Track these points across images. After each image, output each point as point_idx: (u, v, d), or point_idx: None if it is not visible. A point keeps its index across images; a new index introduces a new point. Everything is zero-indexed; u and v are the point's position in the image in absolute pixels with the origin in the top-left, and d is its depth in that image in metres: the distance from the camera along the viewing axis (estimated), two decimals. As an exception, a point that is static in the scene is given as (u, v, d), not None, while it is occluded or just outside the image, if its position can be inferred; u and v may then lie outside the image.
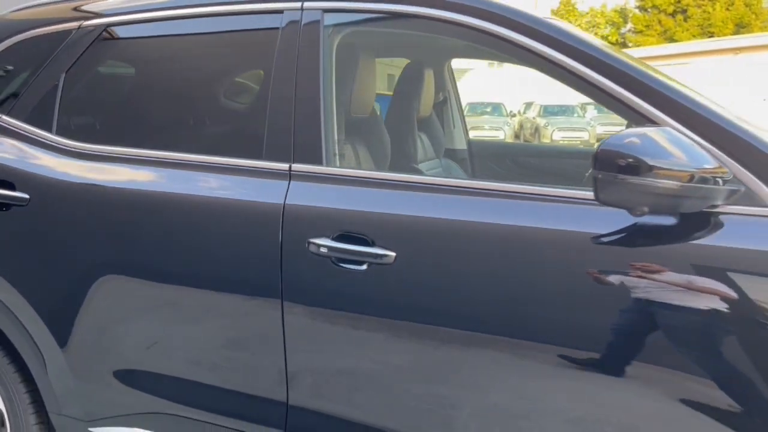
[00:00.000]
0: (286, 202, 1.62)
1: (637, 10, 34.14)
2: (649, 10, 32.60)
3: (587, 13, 38.90)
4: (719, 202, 1.32)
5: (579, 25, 32.31)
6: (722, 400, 1.31)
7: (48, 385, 1.92)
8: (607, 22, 37.85)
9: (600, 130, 16.75)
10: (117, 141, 1.91)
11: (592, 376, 1.41)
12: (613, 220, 1.38)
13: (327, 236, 1.56)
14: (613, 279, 1.37)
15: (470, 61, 32.97)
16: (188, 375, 1.79)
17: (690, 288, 1.33)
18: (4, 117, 2.00)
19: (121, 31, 2.00)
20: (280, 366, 1.65)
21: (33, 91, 2.00)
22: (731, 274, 1.31)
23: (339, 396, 1.65)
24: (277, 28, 1.75)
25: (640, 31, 32.93)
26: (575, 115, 19.55)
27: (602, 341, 1.40)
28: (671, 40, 29.29)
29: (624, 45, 32.38)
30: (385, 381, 1.60)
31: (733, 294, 1.30)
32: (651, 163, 1.26)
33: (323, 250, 1.56)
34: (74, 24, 2.01)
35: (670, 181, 1.26)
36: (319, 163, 1.66)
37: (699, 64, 18.45)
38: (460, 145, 3.04)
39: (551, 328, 1.42)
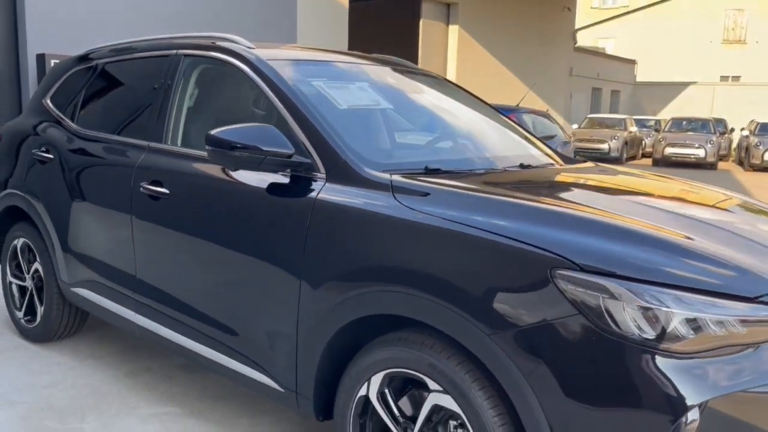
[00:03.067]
0: (138, 165, 2.91)
1: None
2: None
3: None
4: (297, 168, 2.28)
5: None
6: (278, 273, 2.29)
7: (57, 261, 3.43)
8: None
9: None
10: (97, 128, 3.37)
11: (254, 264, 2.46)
12: (263, 180, 2.39)
13: (145, 181, 2.82)
14: (266, 217, 2.38)
15: (701, 75, 30.95)
16: (106, 260, 3.16)
17: (274, 208, 2.34)
18: (50, 105, 3.60)
19: (108, 66, 3.48)
20: (131, 255, 2.94)
21: (72, 100, 3.56)
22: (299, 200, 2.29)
23: (157, 272, 2.88)
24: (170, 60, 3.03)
25: None
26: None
27: (260, 249, 2.42)
28: None
29: None
30: (175, 267, 2.80)
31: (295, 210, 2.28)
32: (245, 143, 2.29)
33: (142, 189, 2.82)
34: (93, 62, 3.54)
35: (254, 154, 2.27)
36: (164, 142, 2.91)
37: None
38: None
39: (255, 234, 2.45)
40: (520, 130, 3.40)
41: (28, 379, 3.27)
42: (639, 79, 32.15)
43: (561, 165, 2.98)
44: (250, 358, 2.46)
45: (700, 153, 19.25)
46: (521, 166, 2.72)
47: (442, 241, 1.92)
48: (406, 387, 2.05)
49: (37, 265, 3.64)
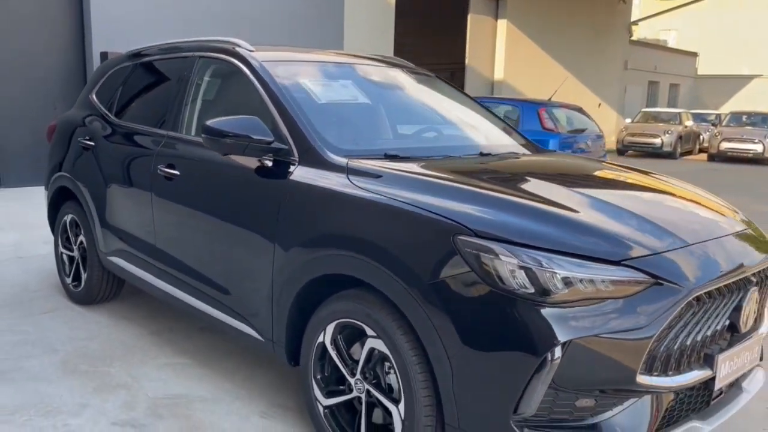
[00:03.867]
0: (158, 151, 3.42)
1: None
2: None
3: None
4: (278, 154, 2.73)
5: None
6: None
7: (96, 234, 4.01)
8: None
9: None
10: (129, 120, 3.91)
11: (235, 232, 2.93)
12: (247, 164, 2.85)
13: (162, 164, 3.32)
14: (255, 194, 2.85)
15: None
16: (133, 232, 3.70)
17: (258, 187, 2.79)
18: (94, 99, 4.17)
19: (140, 66, 4.02)
20: (152, 228, 3.46)
21: (111, 95, 4.13)
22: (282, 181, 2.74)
23: (170, 241, 3.39)
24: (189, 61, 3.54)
25: None
26: None
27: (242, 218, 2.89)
28: None
29: None
30: (183, 236, 3.30)
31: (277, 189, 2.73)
32: (233, 132, 2.74)
33: (160, 171, 3.33)
34: (130, 62, 4.09)
35: (240, 141, 2.73)
36: (179, 131, 3.41)
37: None
38: None
39: (243, 208, 2.93)
40: (500, 122, 3.74)
41: (70, 333, 3.85)
42: (701, 72, 31.27)
43: (522, 154, 3.32)
44: (238, 313, 2.93)
45: (758, 148, 18.74)
46: (480, 154, 3.09)
47: (377, 213, 2.33)
48: (354, 336, 2.47)
49: (81, 238, 4.22)
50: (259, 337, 2.83)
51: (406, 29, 20.54)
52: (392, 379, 2.32)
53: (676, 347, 2.08)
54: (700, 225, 2.42)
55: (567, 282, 1.97)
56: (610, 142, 22.03)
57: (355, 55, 3.69)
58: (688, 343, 2.11)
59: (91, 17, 9.46)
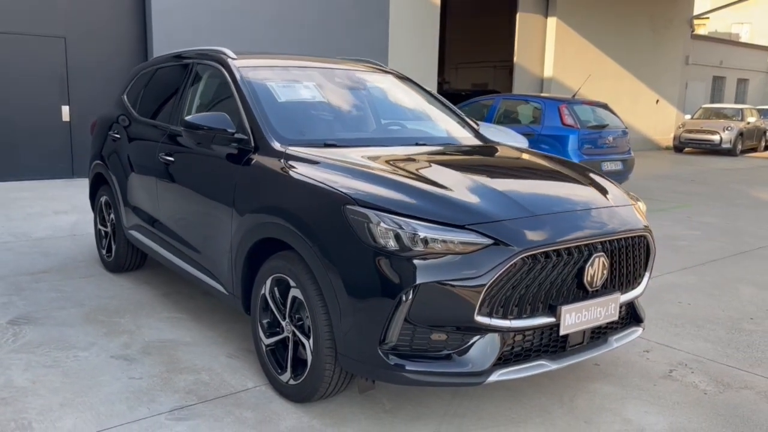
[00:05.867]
0: (161, 141, 4.15)
1: None
2: None
3: None
4: (240, 143, 3.39)
5: None
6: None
7: (121, 212, 4.80)
8: None
9: None
10: (146, 116, 4.67)
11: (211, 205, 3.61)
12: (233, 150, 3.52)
13: (163, 153, 4.05)
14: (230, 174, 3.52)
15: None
16: (145, 209, 4.45)
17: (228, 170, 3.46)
18: (125, 99, 4.97)
19: (157, 71, 4.77)
20: (157, 205, 4.20)
21: (136, 95, 4.92)
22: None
23: (167, 215, 4.11)
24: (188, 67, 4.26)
25: None
26: None
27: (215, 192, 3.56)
28: None
29: None
30: (175, 209, 4.01)
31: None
32: (204, 125, 3.41)
33: (161, 158, 4.05)
34: (151, 67, 4.87)
35: (209, 132, 3.40)
36: (177, 125, 4.12)
37: None
38: None
39: (213, 186, 3.62)
40: (455, 117, 4.27)
41: (98, 293, 4.65)
42: (775, 66, 30.03)
43: (458, 145, 3.85)
44: (209, 270, 3.61)
45: (824, 145, 18.08)
46: (416, 144, 3.65)
47: (296, 189, 2.95)
48: (284, 288, 3.08)
49: (112, 216, 5.03)
50: (224, 291, 3.50)
51: (454, 27, 20.99)
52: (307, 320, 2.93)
53: (516, 295, 2.58)
54: (557, 201, 2.91)
55: (423, 241, 2.51)
56: (667, 139, 21.70)
57: (327, 60, 4.31)
58: (529, 293, 2.61)
59: (152, 28, 10.50)
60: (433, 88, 14.12)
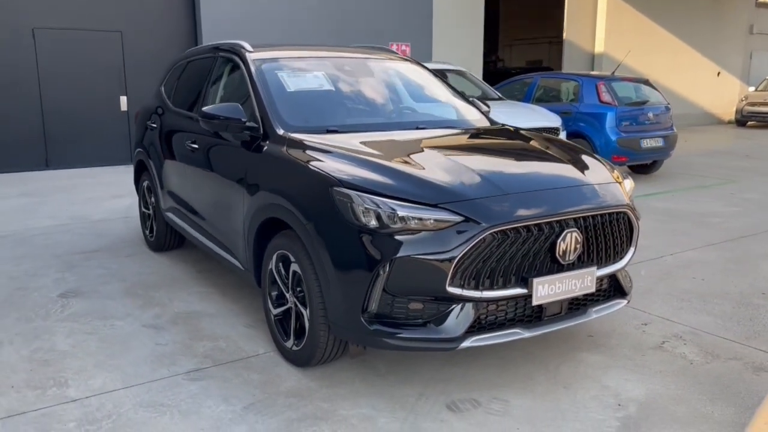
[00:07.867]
0: (189, 129, 4.51)
1: None
2: None
3: None
4: (251, 131, 3.70)
5: None
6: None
7: (159, 196, 5.22)
8: None
9: None
10: (178, 106, 5.04)
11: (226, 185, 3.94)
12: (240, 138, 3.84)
13: (189, 140, 4.40)
14: (241, 160, 3.84)
15: None
16: (177, 193, 4.83)
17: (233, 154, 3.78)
18: (162, 90, 5.37)
19: (189, 63, 5.13)
20: (187, 188, 4.57)
21: (172, 86, 5.30)
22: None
23: (194, 197, 4.47)
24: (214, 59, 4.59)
25: None
26: None
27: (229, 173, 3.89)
28: None
29: None
30: (200, 192, 4.36)
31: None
32: (219, 114, 3.73)
33: (188, 146, 4.41)
34: (184, 60, 5.24)
35: (223, 122, 3.72)
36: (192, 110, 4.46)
37: None
38: None
39: (229, 170, 3.96)
40: (462, 101, 4.45)
41: (139, 269, 5.09)
42: None
43: (459, 128, 4.05)
44: (228, 248, 3.95)
45: None
46: (416, 128, 3.87)
47: (294, 171, 3.22)
48: (288, 263, 3.38)
49: (152, 199, 5.46)
50: (240, 266, 3.83)
51: (509, 1, 20.72)
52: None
53: (487, 268, 2.79)
54: (532, 180, 3.09)
55: (401, 219, 2.75)
56: (729, 113, 20.91)
57: (340, 49, 4.56)
58: (500, 266, 2.81)
59: (201, 17, 10.97)
60: (479, 66, 14.12)
